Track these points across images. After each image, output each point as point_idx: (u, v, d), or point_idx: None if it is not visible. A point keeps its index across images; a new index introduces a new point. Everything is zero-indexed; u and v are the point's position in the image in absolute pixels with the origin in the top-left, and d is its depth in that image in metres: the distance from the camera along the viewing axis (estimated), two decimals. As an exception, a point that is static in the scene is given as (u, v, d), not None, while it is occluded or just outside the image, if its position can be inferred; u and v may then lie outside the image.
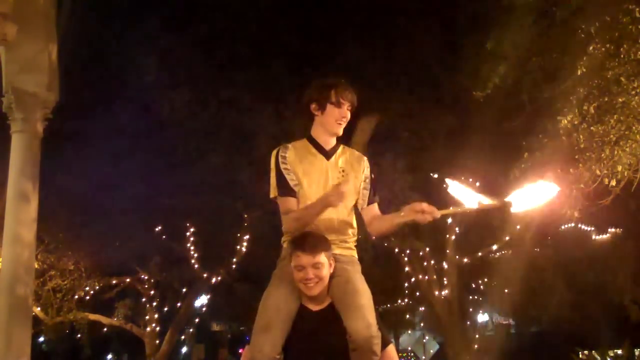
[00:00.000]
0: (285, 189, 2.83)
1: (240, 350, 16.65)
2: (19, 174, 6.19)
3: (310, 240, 2.68)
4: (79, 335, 14.44)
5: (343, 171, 2.91)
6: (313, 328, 2.68)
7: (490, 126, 9.29)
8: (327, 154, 2.93)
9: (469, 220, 12.21)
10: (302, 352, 2.65)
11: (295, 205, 2.83)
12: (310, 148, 2.93)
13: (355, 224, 2.95)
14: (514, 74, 6.68)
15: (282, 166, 2.85)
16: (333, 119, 2.89)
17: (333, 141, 2.96)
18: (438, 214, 2.75)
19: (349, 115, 2.92)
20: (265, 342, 2.60)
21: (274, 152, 2.91)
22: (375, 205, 2.99)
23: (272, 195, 2.89)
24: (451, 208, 2.90)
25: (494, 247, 12.47)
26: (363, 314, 2.56)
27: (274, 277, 2.85)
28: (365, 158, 3.04)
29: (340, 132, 2.95)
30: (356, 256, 2.93)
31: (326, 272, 2.67)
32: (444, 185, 2.86)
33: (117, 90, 12.15)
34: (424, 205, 2.74)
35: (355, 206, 2.98)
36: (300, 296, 2.73)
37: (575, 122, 5.88)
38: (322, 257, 2.65)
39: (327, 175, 2.88)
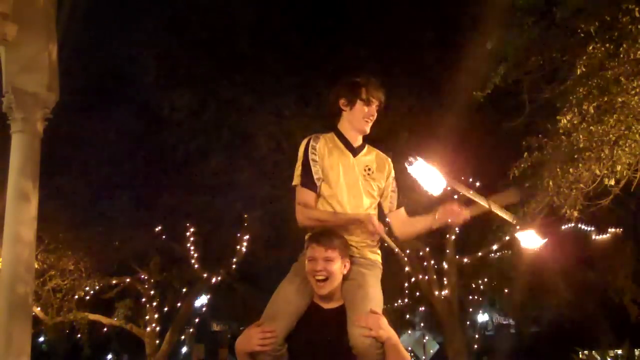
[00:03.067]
0: (308, 181, 2.82)
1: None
2: (19, 173, 6.19)
3: (327, 234, 2.70)
4: (79, 335, 14.43)
5: (369, 169, 2.91)
6: (321, 325, 2.68)
7: (490, 126, 9.29)
8: (354, 151, 2.93)
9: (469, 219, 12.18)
10: (307, 347, 2.65)
11: (313, 201, 2.82)
12: (337, 142, 2.93)
13: None
14: (514, 74, 6.68)
15: (310, 157, 2.85)
16: (361, 116, 2.91)
17: (360, 139, 2.97)
18: (468, 215, 2.83)
19: (376, 114, 2.93)
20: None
21: (305, 141, 2.91)
22: (403, 209, 3.00)
23: (294, 183, 2.88)
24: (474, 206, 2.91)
25: (494, 247, 12.45)
26: (366, 321, 2.53)
27: (292, 269, 2.86)
28: (390, 159, 3.04)
29: (368, 130, 2.96)
30: (379, 260, 2.90)
31: (336, 269, 2.66)
32: (406, 164, 2.88)
33: (117, 90, 12.17)
34: (456, 207, 2.81)
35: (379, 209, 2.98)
36: (312, 293, 2.73)
37: (575, 122, 5.88)
38: (335, 254, 2.65)
39: (353, 172, 2.88)
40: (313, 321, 2.69)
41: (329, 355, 2.64)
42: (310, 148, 2.86)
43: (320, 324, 2.68)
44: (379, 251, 2.91)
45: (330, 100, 3.01)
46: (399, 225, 2.99)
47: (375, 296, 2.69)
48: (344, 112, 2.94)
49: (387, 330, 2.54)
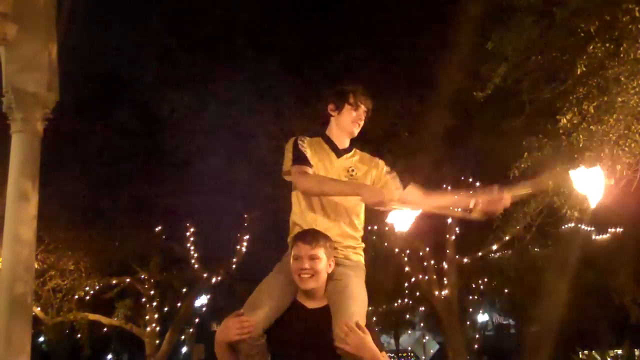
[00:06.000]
0: (303, 159, 2.85)
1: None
2: (19, 173, 6.19)
3: (312, 233, 2.72)
4: (79, 335, 14.43)
5: (352, 170, 2.96)
6: (304, 323, 2.69)
7: (490, 126, 9.29)
8: (339, 152, 2.98)
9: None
10: (288, 345, 2.66)
11: (311, 171, 2.83)
12: (323, 145, 2.99)
13: (361, 229, 2.96)
14: (514, 74, 6.68)
15: (300, 146, 2.89)
16: (350, 119, 2.98)
17: (347, 143, 3.03)
18: (508, 200, 2.84)
19: (364, 119, 3.00)
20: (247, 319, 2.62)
21: (291, 140, 2.95)
22: (412, 185, 3.03)
23: (286, 168, 2.89)
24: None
25: (494, 247, 12.47)
26: (350, 321, 2.55)
27: (275, 267, 2.89)
28: (378, 158, 3.10)
29: (356, 133, 3.02)
30: (363, 262, 2.93)
31: (322, 267, 2.67)
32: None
33: (117, 90, 12.17)
34: (496, 195, 2.81)
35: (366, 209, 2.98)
36: (295, 291, 2.75)
37: (575, 122, 5.89)
38: (320, 252, 2.67)
39: (335, 172, 2.92)
40: (296, 319, 2.71)
41: (310, 353, 2.64)
42: (298, 141, 2.92)
43: (302, 322, 2.69)
44: (362, 252, 2.95)
45: (318, 108, 3.09)
46: (418, 199, 3.00)
47: (360, 296, 2.71)
48: (332, 117, 3.01)
49: (371, 350, 2.52)
